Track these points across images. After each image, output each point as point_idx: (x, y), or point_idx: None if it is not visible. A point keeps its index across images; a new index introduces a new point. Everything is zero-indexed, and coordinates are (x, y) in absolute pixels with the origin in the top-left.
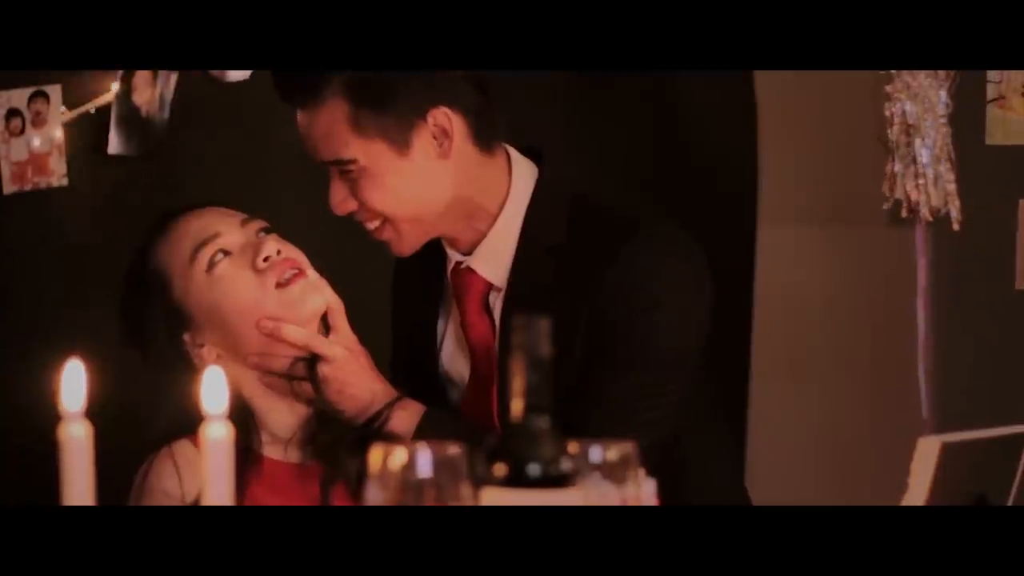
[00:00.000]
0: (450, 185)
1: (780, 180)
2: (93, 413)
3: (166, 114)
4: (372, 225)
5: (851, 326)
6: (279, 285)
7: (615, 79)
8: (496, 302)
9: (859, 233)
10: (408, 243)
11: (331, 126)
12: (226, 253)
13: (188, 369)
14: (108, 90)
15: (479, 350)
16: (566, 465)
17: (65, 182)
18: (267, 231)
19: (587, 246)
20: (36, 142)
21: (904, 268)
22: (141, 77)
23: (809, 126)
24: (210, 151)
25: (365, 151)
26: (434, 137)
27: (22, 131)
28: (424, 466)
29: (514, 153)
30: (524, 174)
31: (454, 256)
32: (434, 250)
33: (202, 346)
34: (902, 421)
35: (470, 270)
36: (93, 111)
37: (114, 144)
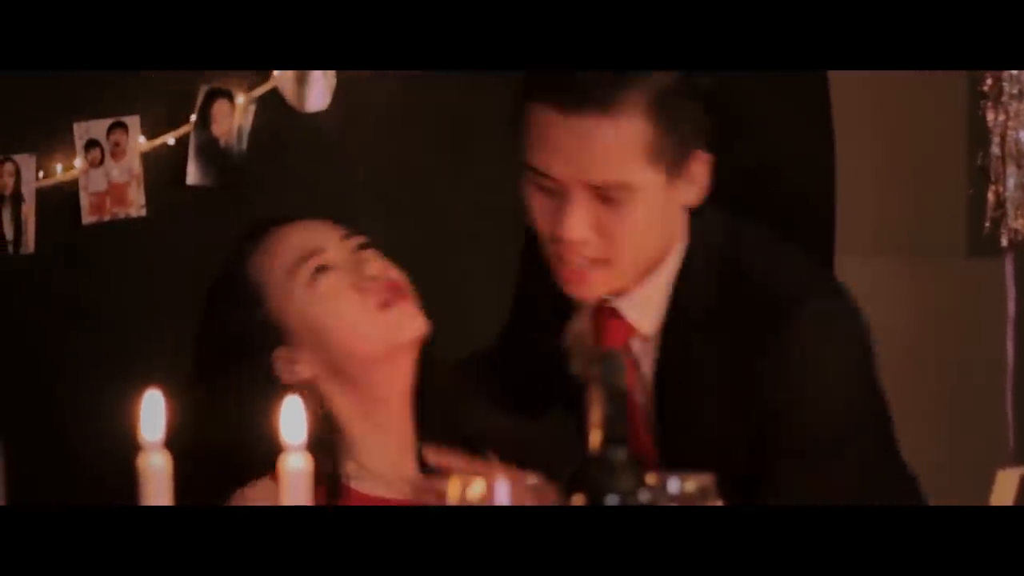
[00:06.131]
0: (667, 237)
1: (858, 208)
2: (171, 442)
3: (244, 145)
4: (580, 261)
5: (933, 357)
6: (380, 306)
7: None
8: (642, 352)
9: (940, 263)
10: (602, 288)
11: (621, 144)
12: (329, 268)
13: (274, 392)
14: (186, 121)
15: None
16: (644, 496)
17: (144, 212)
18: (365, 246)
19: (741, 321)
20: (115, 173)
21: (988, 298)
22: (219, 108)
23: (888, 152)
24: (288, 181)
25: (644, 178)
26: (693, 180)
27: (101, 162)
28: (502, 497)
29: None
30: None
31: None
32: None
33: (296, 362)
34: (986, 453)
35: (613, 311)
36: (172, 142)
37: (193, 175)
